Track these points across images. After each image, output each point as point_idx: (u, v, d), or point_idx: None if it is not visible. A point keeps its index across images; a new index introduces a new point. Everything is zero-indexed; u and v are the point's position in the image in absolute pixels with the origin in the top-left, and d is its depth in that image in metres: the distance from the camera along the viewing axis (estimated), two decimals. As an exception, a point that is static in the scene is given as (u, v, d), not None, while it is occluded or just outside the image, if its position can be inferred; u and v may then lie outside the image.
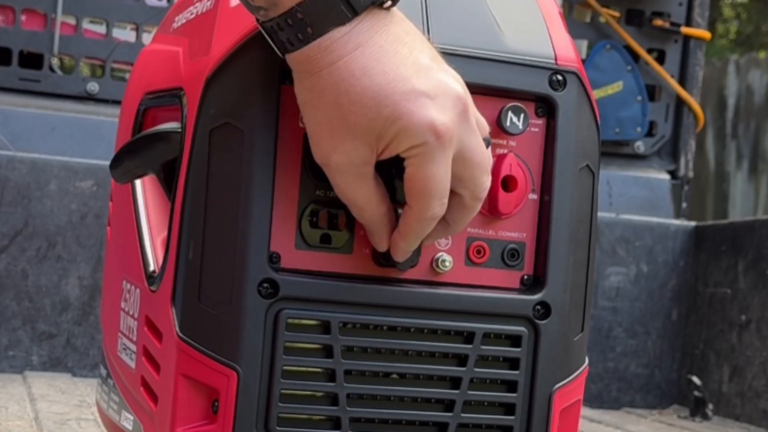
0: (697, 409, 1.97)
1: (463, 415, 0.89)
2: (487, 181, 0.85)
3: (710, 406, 1.97)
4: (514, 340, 0.90)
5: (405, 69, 0.81)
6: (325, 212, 0.87)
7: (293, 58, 0.82)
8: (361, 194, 0.84)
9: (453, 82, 0.82)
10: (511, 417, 0.90)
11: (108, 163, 1.00)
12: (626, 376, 2.08)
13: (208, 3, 0.93)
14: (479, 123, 0.85)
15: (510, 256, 0.91)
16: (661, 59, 2.33)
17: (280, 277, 0.85)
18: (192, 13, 0.97)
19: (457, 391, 0.89)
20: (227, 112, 0.86)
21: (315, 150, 0.84)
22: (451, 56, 0.85)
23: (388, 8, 0.82)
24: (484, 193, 0.86)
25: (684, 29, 2.31)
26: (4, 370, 1.81)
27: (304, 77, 0.82)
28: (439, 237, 0.88)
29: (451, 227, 0.87)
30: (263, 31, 0.82)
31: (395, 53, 0.81)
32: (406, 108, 0.80)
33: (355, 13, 0.80)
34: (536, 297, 0.90)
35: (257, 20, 0.83)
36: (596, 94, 2.23)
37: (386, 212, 0.85)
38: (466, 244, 0.90)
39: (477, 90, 0.87)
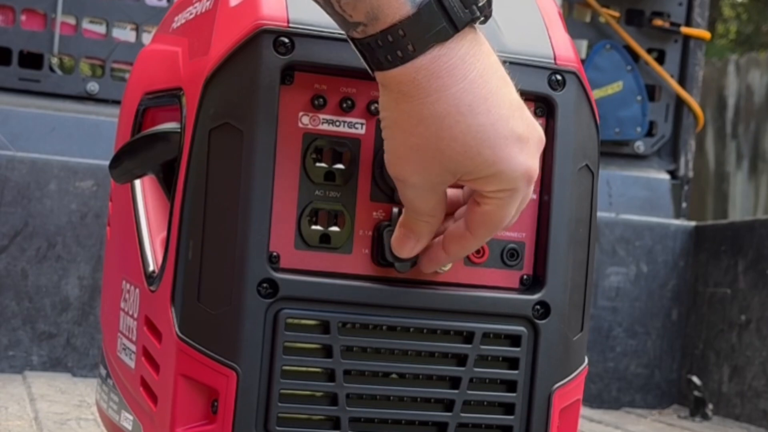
0: (697, 409, 1.97)
1: (462, 414, 0.89)
2: None
3: (710, 406, 1.97)
4: (514, 339, 0.90)
5: (504, 108, 0.80)
6: (325, 212, 0.87)
7: (389, 76, 0.79)
8: (429, 205, 0.84)
9: (536, 122, 0.83)
10: (511, 417, 0.90)
11: (108, 163, 1.00)
12: (626, 376, 2.08)
13: (208, 3, 0.93)
14: None
15: (509, 255, 0.91)
16: (661, 59, 2.33)
17: (279, 277, 0.85)
18: (191, 13, 0.97)
19: (456, 391, 0.89)
20: (227, 112, 0.86)
21: (395, 167, 0.82)
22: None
23: (482, 22, 0.80)
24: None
25: (684, 29, 2.30)
26: (4, 370, 1.81)
27: (401, 99, 0.79)
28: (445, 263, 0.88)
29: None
30: (356, 47, 0.80)
31: (497, 89, 0.80)
32: (505, 153, 0.80)
33: (456, 29, 0.78)
34: (536, 297, 0.90)
35: (350, 37, 0.80)
36: (596, 94, 2.23)
37: (442, 222, 0.85)
38: (465, 244, 0.90)
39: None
